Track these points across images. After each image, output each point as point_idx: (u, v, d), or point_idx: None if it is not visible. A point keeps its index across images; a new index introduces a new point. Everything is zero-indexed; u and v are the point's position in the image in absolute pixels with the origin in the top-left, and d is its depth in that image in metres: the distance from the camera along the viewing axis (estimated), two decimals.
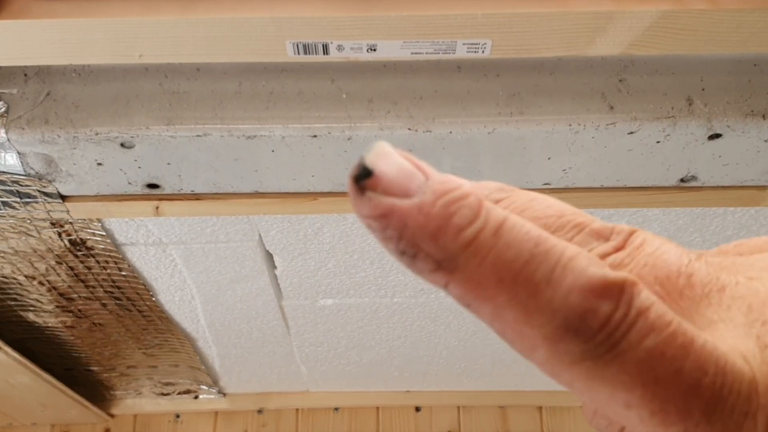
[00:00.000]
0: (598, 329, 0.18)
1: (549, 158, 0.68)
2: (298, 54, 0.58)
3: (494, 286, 0.18)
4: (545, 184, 0.72)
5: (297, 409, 1.68)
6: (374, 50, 0.57)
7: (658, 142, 0.66)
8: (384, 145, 0.19)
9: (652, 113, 0.64)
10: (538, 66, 0.64)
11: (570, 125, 0.64)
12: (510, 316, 0.18)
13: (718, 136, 0.65)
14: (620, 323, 0.18)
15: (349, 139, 0.64)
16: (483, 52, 0.58)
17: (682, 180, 0.72)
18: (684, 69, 0.64)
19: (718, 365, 0.18)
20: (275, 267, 1.02)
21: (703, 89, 0.64)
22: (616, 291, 0.18)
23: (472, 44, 0.57)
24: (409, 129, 0.63)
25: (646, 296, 0.18)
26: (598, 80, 0.64)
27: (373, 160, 0.19)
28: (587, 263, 0.18)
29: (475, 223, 0.18)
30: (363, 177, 0.19)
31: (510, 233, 0.18)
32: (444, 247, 0.18)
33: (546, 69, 0.64)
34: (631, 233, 0.21)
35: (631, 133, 0.64)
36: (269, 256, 0.99)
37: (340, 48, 0.57)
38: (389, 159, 0.19)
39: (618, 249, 0.21)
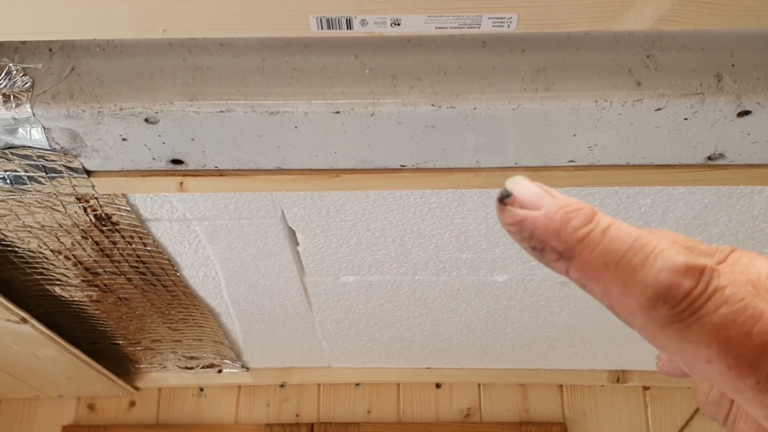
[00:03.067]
0: (681, 298, 0.23)
1: (574, 135, 0.67)
2: (322, 29, 0.57)
3: (602, 268, 0.24)
4: (570, 161, 0.72)
5: (319, 384, 1.69)
6: (398, 24, 0.57)
7: (685, 119, 0.65)
8: (521, 176, 0.27)
9: (680, 90, 0.63)
10: (564, 41, 0.63)
11: (596, 102, 0.63)
12: (615, 291, 0.24)
13: (747, 113, 0.64)
14: (700, 295, 0.23)
15: (372, 115, 0.64)
16: (508, 26, 0.57)
17: (709, 158, 0.71)
18: (713, 45, 0.63)
19: None
20: (298, 244, 1.02)
21: (732, 65, 0.63)
22: (698, 272, 0.23)
23: (497, 18, 0.56)
24: (432, 105, 0.63)
25: (724, 280, 0.23)
26: (625, 56, 0.63)
27: (512, 186, 0.26)
28: (676, 252, 0.24)
29: (588, 225, 0.25)
30: (504, 197, 0.26)
31: (615, 232, 0.25)
32: (564, 241, 0.25)
33: (572, 44, 0.63)
34: (731, 251, 0.27)
35: (659, 109, 0.64)
36: (292, 233, 0.99)
37: (363, 22, 0.57)
38: (524, 184, 0.26)
39: (720, 262, 0.27)
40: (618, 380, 1.63)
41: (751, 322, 0.23)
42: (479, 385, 1.68)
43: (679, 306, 0.23)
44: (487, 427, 1.63)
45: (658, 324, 0.24)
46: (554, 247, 0.25)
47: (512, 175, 0.27)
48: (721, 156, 0.71)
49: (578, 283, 0.26)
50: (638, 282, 0.24)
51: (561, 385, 1.67)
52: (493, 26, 0.57)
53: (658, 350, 0.25)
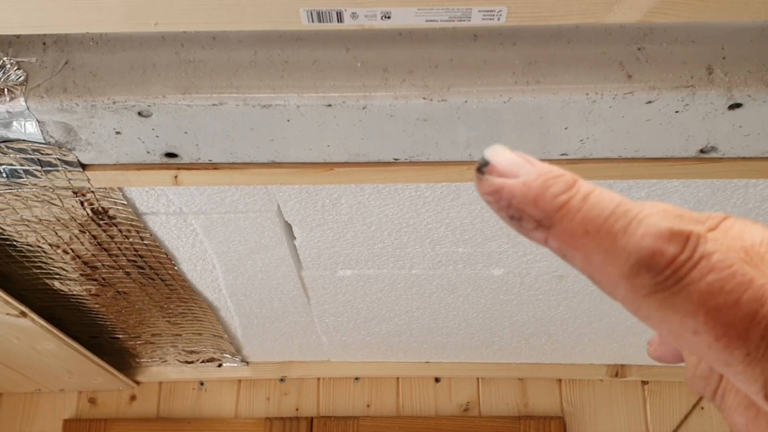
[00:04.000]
0: (665, 266, 0.22)
1: (566, 128, 0.68)
2: (312, 21, 0.57)
3: (582, 236, 0.23)
4: (562, 154, 0.72)
5: (318, 379, 1.70)
6: (388, 17, 0.57)
7: (676, 111, 0.65)
8: (500, 145, 0.26)
9: (670, 82, 0.63)
10: (555, 34, 0.63)
11: (587, 94, 0.63)
12: (596, 259, 0.23)
13: (738, 105, 0.64)
14: (685, 262, 0.22)
15: (363, 108, 0.64)
16: (499, 19, 0.57)
17: (701, 151, 0.72)
18: (704, 37, 0.63)
19: None
20: (294, 238, 1.02)
21: (723, 58, 0.63)
22: (683, 238, 0.22)
23: (487, 11, 0.57)
24: (424, 98, 0.63)
25: (712, 246, 0.22)
26: (616, 49, 0.63)
27: (490, 155, 0.25)
28: (660, 218, 0.23)
29: (568, 192, 0.24)
30: (483, 166, 0.25)
31: (596, 198, 0.24)
32: (543, 209, 0.24)
33: (563, 37, 0.63)
34: (724, 218, 0.25)
35: (650, 102, 0.64)
36: (288, 227, 1.00)
37: (354, 15, 0.57)
38: (503, 153, 0.25)
39: (712, 229, 0.24)
40: (616, 374, 1.63)
41: (740, 290, 0.22)
42: (478, 379, 1.68)
43: (663, 273, 0.22)
44: (485, 421, 1.63)
45: (641, 293, 0.23)
46: (532, 215, 0.24)
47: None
48: (714, 149, 0.71)
49: (558, 252, 0.24)
50: (620, 249, 0.23)
51: (560, 379, 1.67)
52: (482, 19, 0.57)
53: (644, 322, 0.24)
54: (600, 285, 0.24)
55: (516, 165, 0.25)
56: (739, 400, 0.25)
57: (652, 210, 0.23)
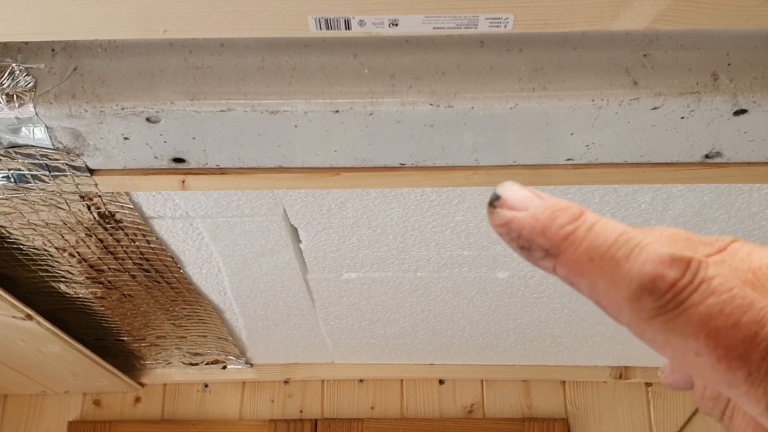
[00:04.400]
0: (666, 289, 0.23)
1: (572, 134, 0.68)
2: (320, 29, 0.58)
3: (587, 264, 0.24)
4: (568, 159, 0.72)
5: (322, 381, 1.70)
6: (396, 25, 0.57)
7: (682, 117, 0.65)
8: (511, 182, 0.27)
9: (676, 88, 0.63)
10: (561, 41, 0.64)
11: (593, 101, 0.63)
12: (600, 285, 0.24)
13: (743, 111, 0.64)
14: (686, 286, 0.23)
15: (371, 114, 0.65)
16: (505, 26, 0.58)
17: (706, 156, 0.72)
18: (709, 44, 0.64)
19: None
20: (300, 241, 1.03)
21: (729, 64, 0.63)
22: (684, 263, 0.23)
23: (494, 19, 0.57)
24: (431, 104, 0.64)
25: (713, 271, 0.23)
26: (622, 55, 0.64)
27: (501, 190, 0.27)
28: (661, 245, 0.24)
29: (574, 222, 0.25)
30: (494, 201, 0.27)
31: (600, 228, 0.25)
32: (550, 239, 0.25)
33: (569, 44, 0.64)
34: (732, 240, 0.27)
35: (655, 108, 0.64)
36: (294, 230, 1.00)
37: (361, 23, 0.57)
38: (514, 188, 0.27)
39: (720, 251, 0.26)
40: (620, 376, 1.63)
41: (740, 312, 0.22)
42: (482, 381, 1.68)
43: (665, 297, 0.23)
44: (490, 422, 1.64)
45: (645, 317, 0.23)
46: (540, 245, 0.25)
47: (505, 180, 0.28)
48: (719, 154, 0.71)
49: (566, 280, 0.26)
50: (623, 275, 0.24)
51: (564, 381, 1.67)
52: (489, 26, 0.58)
53: (649, 346, 0.25)
54: (606, 310, 0.25)
55: (526, 199, 0.26)
56: (747, 421, 0.25)
57: (655, 237, 0.25)
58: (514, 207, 0.26)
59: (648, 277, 0.23)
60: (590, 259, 0.24)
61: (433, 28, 0.58)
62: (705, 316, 0.23)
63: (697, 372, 0.24)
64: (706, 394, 0.27)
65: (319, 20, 0.57)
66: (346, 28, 0.58)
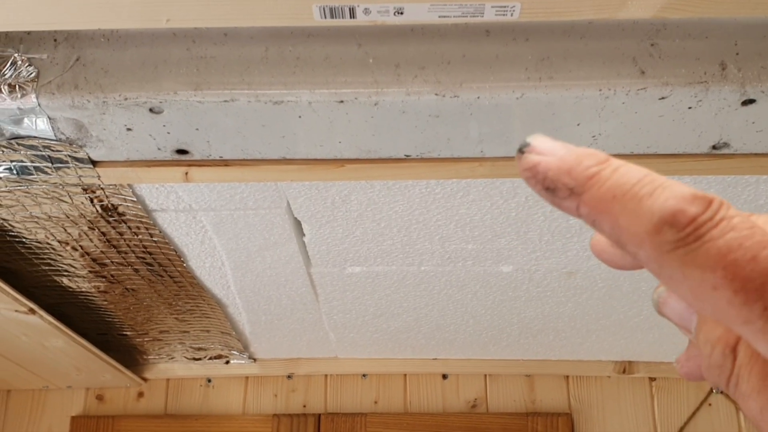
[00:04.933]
0: (687, 223, 0.23)
1: (578, 124, 0.67)
2: (325, 17, 0.57)
3: (611, 201, 0.25)
4: None
5: (326, 375, 1.70)
6: (401, 13, 0.57)
7: (689, 107, 0.65)
8: (540, 134, 0.28)
9: (684, 78, 0.62)
10: (568, 30, 0.63)
11: (600, 90, 0.63)
12: (623, 221, 0.24)
13: (752, 101, 0.64)
14: (706, 221, 0.23)
15: (375, 104, 0.64)
16: (512, 15, 0.57)
17: (714, 147, 0.71)
18: (718, 33, 0.63)
19: None
20: (303, 234, 1.02)
21: (737, 54, 0.63)
22: (706, 201, 0.24)
23: (500, 7, 0.56)
24: (436, 94, 0.63)
25: (733, 211, 0.24)
26: (629, 44, 0.63)
27: (531, 138, 0.27)
28: (684, 187, 0.24)
29: (600, 165, 0.25)
30: (523, 147, 0.27)
31: (626, 169, 0.25)
32: (575, 178, 0.26)
33: (576, 33, 0.63)
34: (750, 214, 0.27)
35: (663, 98, 0.63)
36: (297, 224, 1.00)
37: (366, 11, 0.57)
38: (543, 138, 0.27)
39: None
40: (624, 371, 1.63)
41: (759, 247, 0.23)
42: (486, 375, 1.68)
43: (685, 230, 0.23)
44: (493, 417, 1.63)
45: (665, 249, 0.24)
46: (566, 184, 0.26)
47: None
48: (726, 145, 0.71)
49: (588, 219, 0.26)
50: (645, 209, 0.24)
51: (567, 376, 1.67)
52: (496, 15, 0.57)
53: (667, 285, 0.25)
54: (626, 247, 0.25)
55: (554, 146, 0.27)
56: (752, 385, 0.25)
57: (675, 182, 0.25)
58: (542, 153, 0.27)
59: (670, 210, 0.24)
60: (614, 197, 0.25)
61: (439, 17, 0.58)
62: (724, 248, 0.23)
63: (713, 308, 0.24)
64: (712, 362, 0.27)
65: (324, 9, 0.57)
66: (350, 17, 0.57)
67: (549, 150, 0.27)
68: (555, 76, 0.63)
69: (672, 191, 0.24)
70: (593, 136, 0.69)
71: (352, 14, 0.57)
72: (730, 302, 0.23)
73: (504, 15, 0.57)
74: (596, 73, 0.63)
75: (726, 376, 0.26)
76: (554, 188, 0.26)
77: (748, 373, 0.25)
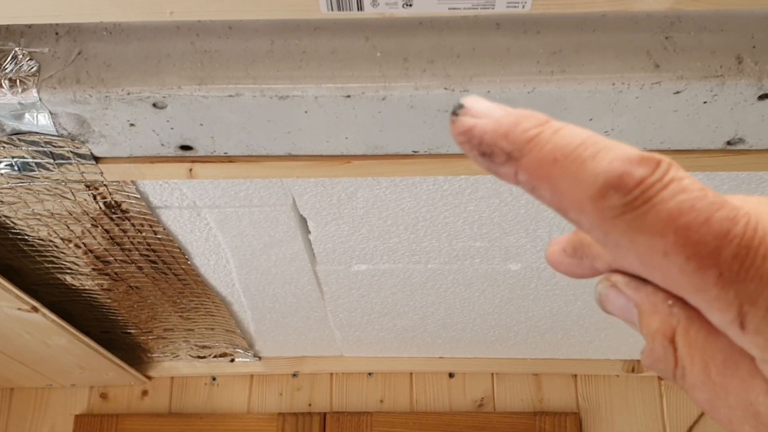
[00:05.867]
0: (633, 186, 0.21)
1: (591, 119, 0.66)
2: (332, 10, 0.56)
3: (551, 164, 0.23)
4: None
5: (331, 374, 1.68)
6: (410, 5, 0.55)
7: (705, 102, 0.63)
8: (476, 95, 0.26)
9: (699, 72, 0.61)
10: (580, 22, 0.62)
11: (613, 84, 0.61)
12: (563, 186, 0.23)
13: None
14: (655, 183, 0.21)
15: (383, 99, 0.63)
16: (523, 7, 0.56)
17: (728, 143, 0.70)
18: (734, 26, 0.61)
19: (749, 221, 0.21)
20: (309, 232, 1.01)
21: (753, 47, 0.61)
22: (653, 163, 0.22)
23: None
24: (445, 88, 0.62)
25: (683, 173, 0.22)
26: (643, 37, 0.61)
27: (465, 100, 0.25)
28: (630, 148, 0.22)
29: (539, 127, 0.23)
30: (457, 109, 0.25)
31: (567, 131, 0.23)
32: (513, 142, 0.24)
33: (589, 25, 0.62)
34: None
35: (677, 92, 0.62)
36: (303, 221, 0.98)
37: (374, 3, 0.55)
38: (478, 99, 0.25)
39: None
40: (633, 370, 1.61)
41: (712, 209, 0.21)
42: (493, 374, 1.67)
43: (632, 193, 0.21)
44: (500, 416, 1.62)
45: (609, 215, 0.22)
46: (503, 148, 0.24)
47: None
48: (741, 140, 0.69)
49: (527, 186, 0.24)
50: (588, 173, 0.22)
51: (575, 375, 1.65)
52: (507, 7, 0.56)
53: (612, 254, 0.24)
54: (568, 214, 0.23)
55: (490, 108, 0.25)
56: (696, 376, 0.24)
57: (620, 143, 0.23)
58: (477, 115, 0.25)
59: (615, 173, 0.22)
60: (554, 160, 0.23)
61: (449, 9, 0.56)
62: (675, 211, 0.21)
63: (664, 276, 0.22)
64: (656, 355, 0.25)
65: (331, 0, 0.55)
66: (358, 9, 0.56)
67: (485, 112, 0.25)
68: (567, 69, 0.61)
69: (617, 152, 0.22)
70: (606, 132, 0.68)
71: (360, 6, 0.56)
72: (682, 269, 0.21)
73: (515, 7, 0.56)
74: (609, 66, 0.61)
75: (671, 369, 0.24)
76: (490, 153, 0.24)
77: (690, 363, 0.24)
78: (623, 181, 0.21)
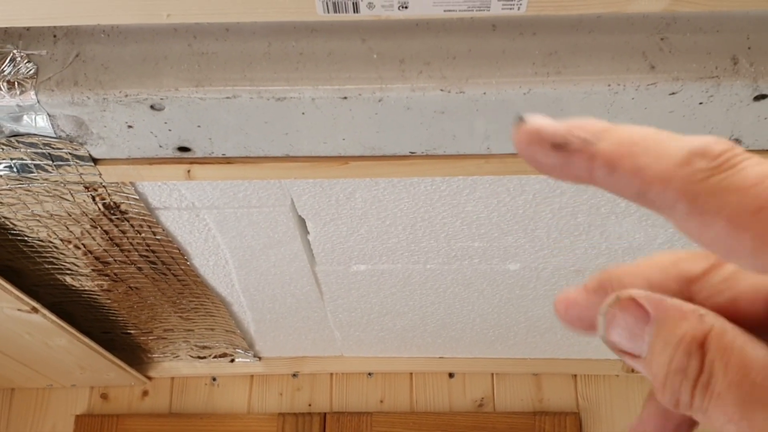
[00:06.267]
0: (719, 153, 0.22)
1: None
2: (328, 12, 0.56)
3: (630, 144, 0.23)
4: None
5: (331, 374, 1.69)
6: (406, 8, 0.56)
7: (700, 103, 0.64)
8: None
9: (694, 73, 0.61)
10: (576, 24, 0.62)
11: (609, 86, 0.62)
12: (646, 160, 0.22)
13: (764, 96, 0.63)
14: (738, 153, 0.22)
15: (380, 101, 0.63)
16: (519, 8, 0.56)
17: None
18: (729, 26, 0.62)
19: None
20: (308, 232, 1.01)
21: (749, 48, 0.61)
22: (730, 144, 0.22)
23: (507, 0, 0.55)
24: (441, 90, 0.62)
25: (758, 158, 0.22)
26: (638, 38, 0.62)
27: (527, 115, 0.25)
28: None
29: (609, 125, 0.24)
30: (519, 119, 0.25)
31: (636, 127, 0.24)
32: (589, 130, 0.23)
33: (584, 27, 0.62)
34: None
35: (673, 93, 0.62)
36: (302, 222, 0.99)
37: (370, 5, 0.56)
38: (536, 115, 0.25)
39: None
40: (633, 370, 1.61)
41: None
42: (492, 374, 1.67)
43: (718, 159, 0.22)
44: (500, 416, 1.62)
45: (698, 178, 0.21)
46: (578, 135, 0.24)
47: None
48: (738, 141, 0.69)
49: (604, 169, 0.23)
50: (671, 146, 0.22)
51: (575, 375, 1.65)
52: (502, 9, 0.56)
53: (700, 219, 0.22)
54: (649, 191, 0.23)
55: (554, 122, 0.25)
56: (731, 379, 0.21)
57: None
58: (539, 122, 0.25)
59: (699, 144, 0.22)
60: (633, 141, 0.23)
61: (444, 11, 0.56)
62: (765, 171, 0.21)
63: (756, 236, 0.21)
64: (673, 368, 0.23)
65: (327, 3, 0.56)
66: (354, 11, 0.56)
67: (549, 122, 0.25)
68: (563, 71, 0.61)
69: (691, 137, 0.23)
70: None
71: (356, 8, 0.56)
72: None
73: (511, 9, 0.56)
74: (605, 67, 0.61)
75: (693, 378, 0.22)
76: (565, 143, 0.24)
77: (725, 365, 0.22)
78: (709, 149, 0.22)
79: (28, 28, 0.64)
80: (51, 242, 1.00)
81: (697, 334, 0.23)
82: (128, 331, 1.45)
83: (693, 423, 0.27)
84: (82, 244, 1.01)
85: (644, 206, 0.24)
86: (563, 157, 0.24)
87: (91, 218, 0.92)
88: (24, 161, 0.73)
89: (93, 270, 1.11)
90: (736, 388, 0.21)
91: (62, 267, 1.10)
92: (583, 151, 0.23)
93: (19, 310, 1.13)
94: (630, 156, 0.23)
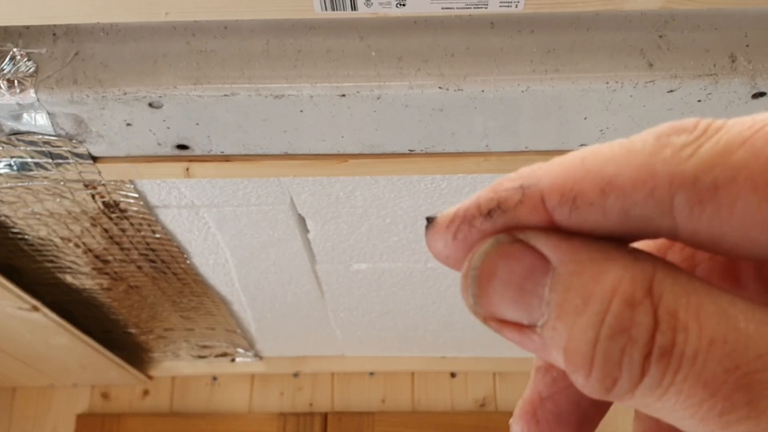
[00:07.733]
0: (693, 126, 0.17)
1: (585, 118, 0.66)
2: (326, 9, 0.56)
3: (579, 165, 0.18)
4: (582, 145, 0.70)
5: (332, 373, 1.69)
6: (403, 5, 0.56)
7: (699, 101, 0.63)
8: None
9: (693, 71, 0.61)
10: (574, 21, 0.62)
11: (607, 83, 0.62)
12: (610, 170, 0.18)
13: (762, 94, 0.62)
14: (712, 120, 0.18)
15: (378, 98, 0.63)
16: (517, 6, 0.56)
17: None
18: (727, 24, 0.62)
19: None
20: (308, 231, 1.01)
21: (747, 45, 0.61)
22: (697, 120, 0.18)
23: None
24: (440, 88, 0.62)
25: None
26: (637, 36, 0.62)
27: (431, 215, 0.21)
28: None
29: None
30: (429, 222, 0.21)
31: None
32: (517, 177, 0.19)
33: (583, 24, 0.62)
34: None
35: (671, 91, 0.62)
36: (302, 220, 0.99)
37: (368, 3, 0.56)
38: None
39: None
40: None
41: None
42: (494, 374, 1.67)
43: (697, 128, 0.17)
44: (502, 416, 1.62)
45: (687, 153, 0.17)
46: (507, 186, 0.19)
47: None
48: None
49: (563, 207, 0.18)
50: (632, 145, 0.18)
51: None
52: (500, 6, 0.56)
53: (713, 206, 0.17)
54: (633, 194, 0.17)
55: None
56: (704, 330, 0.16)
57: None
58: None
59: (662, 127, 0.18)
60: (578, 162, 0.18)
61: (442, 9, 0.56)
62: (760, 120, 0.17)
63: (746, 203, 0.16)
64: (612, 326, 0.17)
65: (325, 0, 0.56)
66: (352, 9, 0.56)
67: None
68: (561, 68, 0.61)
69: (640, 132, 0.19)
70: (600, 130, 0.68)
71: (354, 6, 0.56)
72: None
73: (509, 6, 0.56)
74: (603, 65, 0.61)
75: (647, 334, 0.16)
76: (498, 200, 0.19)
77: (696, 317, 0.16)
78: (679, 124, 0.18)
79: (27, 27, 0.64)
80: (51, 240, 1.00)
81: (638, 282, 0.17)
82: (129, 330, 1.45)
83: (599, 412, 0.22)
84: (82, 242, 1.01)
85: (636, 238, 0.18)
86: (504, 221, 0.19)
87: (90, 216, 0.92)
88: (24, 159, 0.73)
89: (93, 268, 1.12)
90: (720, 351, 0.16)
91: (62, 265, 1.10)
92: (525, 199, 0.18)
93: (19, 308, 1.13)
94: (587, 175, 0.18)
